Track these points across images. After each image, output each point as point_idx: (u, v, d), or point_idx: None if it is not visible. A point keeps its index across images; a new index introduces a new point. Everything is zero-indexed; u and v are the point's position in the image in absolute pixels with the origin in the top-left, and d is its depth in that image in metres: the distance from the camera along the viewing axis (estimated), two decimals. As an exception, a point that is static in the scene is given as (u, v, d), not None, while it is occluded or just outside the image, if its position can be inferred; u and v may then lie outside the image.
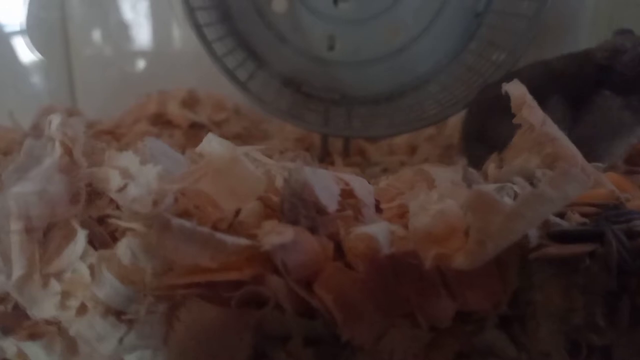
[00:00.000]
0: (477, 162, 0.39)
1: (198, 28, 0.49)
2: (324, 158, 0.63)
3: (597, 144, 0.40)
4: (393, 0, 0.59)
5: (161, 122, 0.60)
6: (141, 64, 0.85)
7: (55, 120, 0.26)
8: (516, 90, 0.33)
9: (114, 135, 0.54)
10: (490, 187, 0.28)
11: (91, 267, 0.23)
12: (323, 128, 0.59)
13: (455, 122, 0.60)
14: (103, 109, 0.74)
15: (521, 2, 0.54)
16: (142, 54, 0.84)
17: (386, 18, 0.59)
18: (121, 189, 0.24)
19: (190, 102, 0.64)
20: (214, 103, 0.67)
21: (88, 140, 0.27)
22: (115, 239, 0.26)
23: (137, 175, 0.25)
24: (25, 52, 0.75)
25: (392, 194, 0.31)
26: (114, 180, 0.25)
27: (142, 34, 0.83)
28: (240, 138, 0.61)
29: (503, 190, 0.26)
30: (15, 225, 0.22)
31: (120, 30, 0.83)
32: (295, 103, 0.60)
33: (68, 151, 0.26)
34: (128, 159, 0.26)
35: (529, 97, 0.33)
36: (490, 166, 0.34)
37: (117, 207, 0.26)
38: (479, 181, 0.33)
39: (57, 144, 0.25)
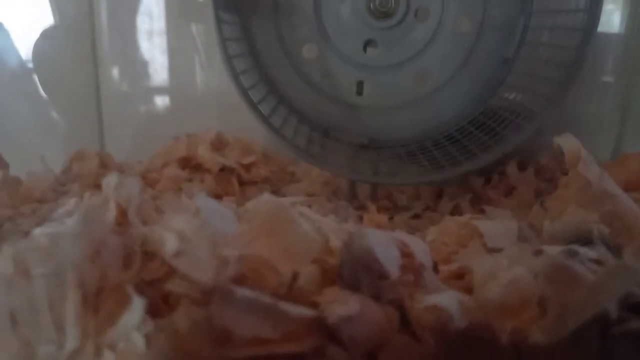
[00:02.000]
0: None
1: (235, 76, 0.49)
2: (352, 201, 0.62)
3: None
4: (421, 47, 0.59)
5: (190, 165, 0.60)
6: (167, 103, 0.86)
7: (112, 181, 0.25)
8: (570, 144, 0.32)
9: (147, 181, 0.53)
10: (555, 250, 0.26)
11: (147, 337, 0.22)
12: (351, 174, 0.58)
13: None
14: (130, 146, 0.75)
15: (553, 50, 0.54)
16: (168, 93, 0.85)
17: (414, 64, 0.60)
18: (178, 254, 0.23)
19: (219, 145, 0.64)
20: (242, 146, 0.67)
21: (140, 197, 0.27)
22: (167, 303, 0.25)
23: (194, 238, 0.24)
24: (54, 90, 0.76)
25: (446, 253, 0.30)
26: (170, 243, 0.24)
27: (168, 73, 0.85)
28: (269, 182, 0.61)
29: (575, 257, 0.25)
30: (73, 295, 0.21)
31: (147, 69, 0.85)
32: (323, 147, 0.60)
33: (122, 212, 0.25)
34: (183, 221, 0.25)
35: (584, 152, 0.32)
36: (545, 223, 0.33)
37: (170, 270, 0.25)
38: (535, 239, 0.32)
39: (112, 205, 0.25)
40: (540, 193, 0.56)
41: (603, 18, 0.49)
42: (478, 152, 0.54)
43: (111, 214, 0.25)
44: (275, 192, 0.63)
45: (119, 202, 0.25)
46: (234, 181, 0.61)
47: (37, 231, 0.30)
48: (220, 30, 0.48)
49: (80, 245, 0.22)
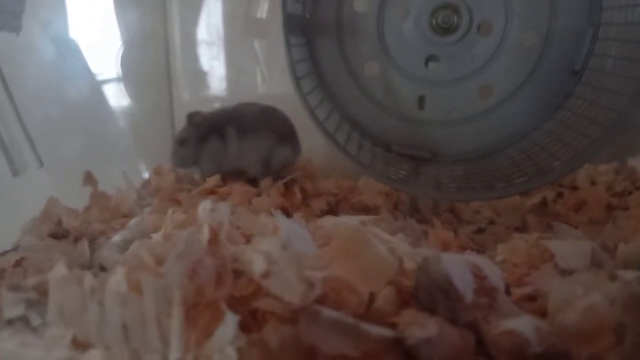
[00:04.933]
0: None
1: (303, 96, 0.51)
2: (413, 214, 0.63)
3: None
4: (484, 61, 0.59)
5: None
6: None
7: (207, 206, 0.28)
8: (645, 167, 0.32)
9: (219, 195, 0.57)
10: (631, 275, 0.27)
11: (240, 351, 0.25)
12: (415, 189, 0.59)
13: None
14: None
15: (624, 62, 0.52)
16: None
17: (477, 78, 0.60)
18: (267, 274, 0.26)
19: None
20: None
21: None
22: (254, 319, 0.27)
23: (280, 260, 0.26)
24: (130, 103, 0.80)
25: (518, 275, 0.31)
26: (258, 264, 0.26)
27: (233, 87, 0.89)
28: (335, 196, 0.63)
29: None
30: (178, 311, 0.24)
31: (214, 83, 0.90)
32: (386, 162, 0.61)
33: (214, 234, 0.28)
34: (268, 243, 0.27)
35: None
36: (620, 245, 0.33)
37: (257, 287, 0.27)
38: (609, 261, 0.32)
39: (206, 228, 0.27)
40: (610, 208, 0.54)
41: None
42: (547, 166, 0.53)
43: (205, 236, 0.27)
44: (339, 203, 0.65)
45: (212, 225, 0.27)
46: (297, 192, 0.63)
47: (134, 246, 0.34)
48: (290, 54, 0.50)
49: (183, 265, 0.25)
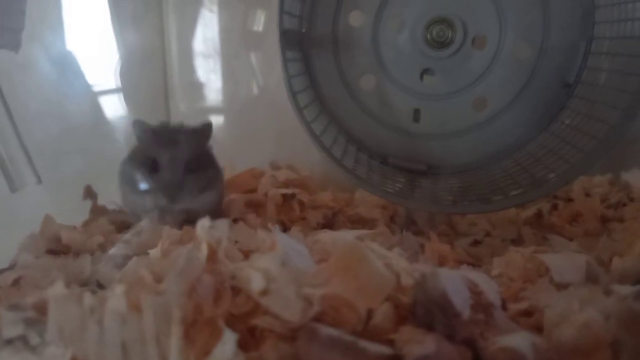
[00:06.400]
0: None
1: (299, 110, 0.52)
2: (409, 227, 0.63)
3: None
4: (479, 74, 0.60)
5: (253, 194, 0.63)
6: (229, 127, 0.91)
7: (205, 224, 0.28)
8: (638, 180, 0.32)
9: (219, 211, 0.57)
10: (626, 290, 0.27)
11: (238, 369, 0.25)
12: (411, 203, 0.59)
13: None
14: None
15: (617, 76, 0.53)
16: (230, 117, 0.90)
17: (472, 91, 0.60)
18: (265, 292, 0.26)
19: (277, 173, 0.67)
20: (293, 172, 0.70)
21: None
22: (252, 336, 0.27)
23: (279, 278, 0.26)
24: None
25: (514, 290, 0.31)
26: (256, 281, 0.27)
27: (230, 100, 0.90)
28: (331, 208, 0.63)
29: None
30: (177, 330, 0.24)
31: (210, 95, 0.91)
32: (382, 175, 0.62)
33: (213, 252, 0.28)
34: (266, 260, 0.28)
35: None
36: (615, 259, 0.33)
37: (255, 305, 0.27)
38: (604, 275, 0.32)
39: (204, 245, 0.27)
40: (605, 220, 0.55)
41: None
42: (542, 178, 0.53)
43: (203, 253, 0.27)
44: (335, 216, 0.65)
45: (210, 242, 0.28)
46: (295, 206, 0.63)
47: (132, 263, 0.34)
48: (286, 69, 0.51)
49: (182, 283, 0.25)
